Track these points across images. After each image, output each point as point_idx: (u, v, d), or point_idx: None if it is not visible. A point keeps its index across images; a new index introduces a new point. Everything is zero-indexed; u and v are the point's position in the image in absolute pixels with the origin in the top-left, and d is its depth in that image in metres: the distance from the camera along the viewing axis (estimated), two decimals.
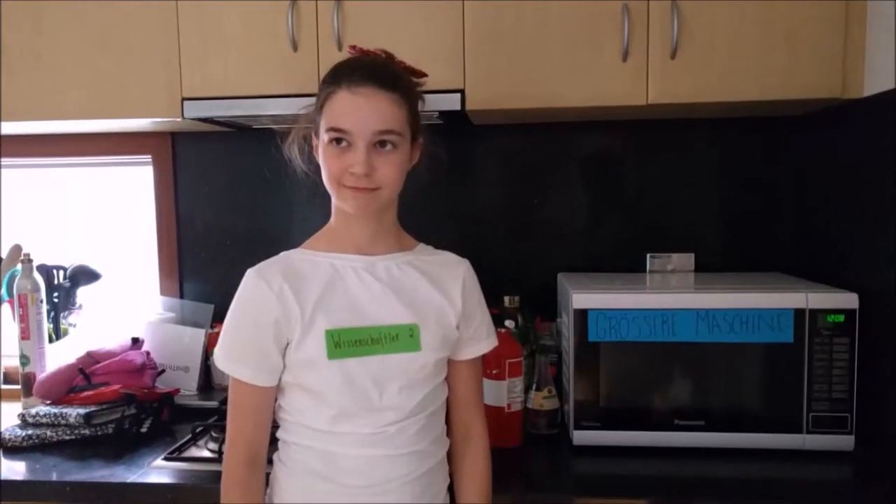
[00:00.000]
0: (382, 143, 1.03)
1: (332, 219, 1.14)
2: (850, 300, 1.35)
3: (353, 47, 1.12)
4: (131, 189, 2.03)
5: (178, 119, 1.58)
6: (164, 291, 1.95)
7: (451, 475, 1.17)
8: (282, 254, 1.12)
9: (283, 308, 1.04)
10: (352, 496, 1.05)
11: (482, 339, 1.18)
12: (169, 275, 1.95)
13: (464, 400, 1.18)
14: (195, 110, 1.55)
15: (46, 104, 1.62)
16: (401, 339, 1.07)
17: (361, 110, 1.02)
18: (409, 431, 1.07)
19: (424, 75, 1.15)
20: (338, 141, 1.03)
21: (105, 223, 2.07)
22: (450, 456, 1.17)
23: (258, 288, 1.06)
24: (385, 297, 1.09)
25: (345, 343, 1.05)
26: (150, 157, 1.95)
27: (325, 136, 1.04)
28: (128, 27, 1.58)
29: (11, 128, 1.78)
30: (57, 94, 1.61)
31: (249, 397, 1.07)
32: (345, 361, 1.04)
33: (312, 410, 1.07)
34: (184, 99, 1.55)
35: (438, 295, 1.12)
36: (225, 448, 1.09)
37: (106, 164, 2.04)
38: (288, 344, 1.06)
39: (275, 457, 1.13)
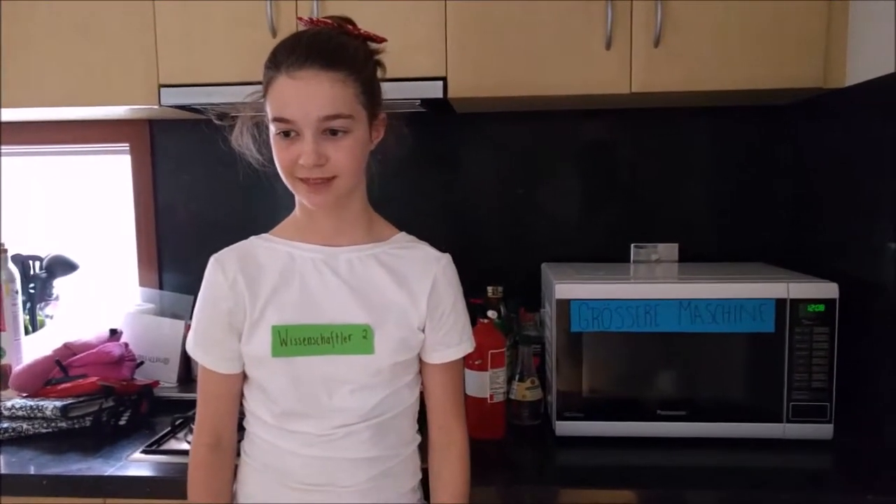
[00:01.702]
0: (333, 131, 0.96)
1: (297, 207, 1.10)
2: (830, 290, 1.35)
3: (301, 18, 1.05)
4: (109, 178, 2.00)
5: (156, 106, 1.55)
6: (142, 282, 1.93)
7: (430, 475, 1.13)
8: (247, 239, 1.10)
9: (235, 299, 1.03)
10: (300, 495, 1.04)
11: (452, 345, 1.09)
12: (148, 265, 1.93)
13: (439, 404, 1.11)
14: (172, 97, 1.52)
15: (22, 91, 1.59)
16: (353, 339, 1.02)
17: (302, 97, 0.94)
18: (361, 437, 1.03)
19: (383, 40, 1.06)
20: (285, 133, 0.97)
21: (82, 213, 2.03)
22: (429, 456, 1.13)
23: (214, 276, 1.05)
24: (341, 293, 1.03)
25: (292, 341, 1.01)
26: (127, 145, 1.91)
27: (272, 127, 0.98)
28: (105, 13, 1.54)
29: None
30: (33, 81, 1.58)
31: (212, 383, 1.07)
32: (292, 360, 1.01)
33: (262, 404, 1.06)
34: (161, 86, 1.53)
35: (401, 294, 1.05)
36: (193, 431, 1.10)
37: (83, 153, 2.00)
38: (240, 335, 1.04)
39: (240, 447, 1.12)
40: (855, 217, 1.43)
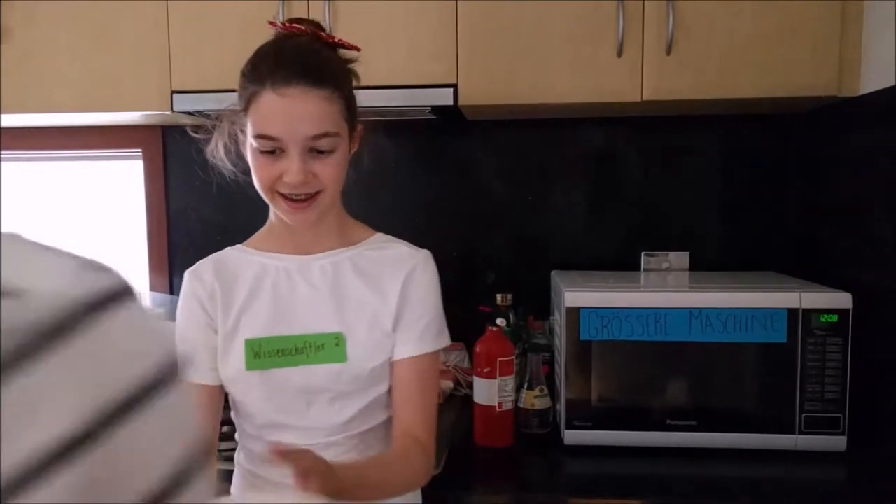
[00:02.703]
0: (320, 150, 0.94)
1: (272, 217, 1.06)
2: (843, 300, 1.34)
3: (273, 23, 1.00)
4: (121, 183, 2.01)
5: (168, 112, 1.56)
6: (153, 287, 1.94)
7: None
8: (221, 251, 1.07)
9: (212, 309, 1.02)
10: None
11: (411, 342, 1.02)
12: (159, 270, 1.94)
13: (400, 406, 1.02)
14: (185, 104, 1.53)
15: (37, 97, 1.60)
16: (327, 348, 0.99)
17: (291, 115, 0.91)
18: (344, 447, 1.01)
19: (356, 48, 1.03)
20: (271, 151, 0.94)
21: (95, 217, 2.05)
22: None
23: (192, 287, 1.03)
24: (313, 302, 1.01)
25: (265, 353, 0.99)
26: (140, 151, 1.93)
27: (253, 142, 0.95)
28: (119, 20, 1.56)
29: (1, 121, 1.76)
30: (47, 86, 1.59)
31: None
32: (268, 372, 1.00)
33: (244, 417, 1.05)
34: (173, 92, 1.54)
35: (374, 297, 1.02)
36: None
37: (96, 158, 2.02)
38: (216, 348, 1.02)
39: (235, 455, 1.12)
40: (868, 227, 1.41)
